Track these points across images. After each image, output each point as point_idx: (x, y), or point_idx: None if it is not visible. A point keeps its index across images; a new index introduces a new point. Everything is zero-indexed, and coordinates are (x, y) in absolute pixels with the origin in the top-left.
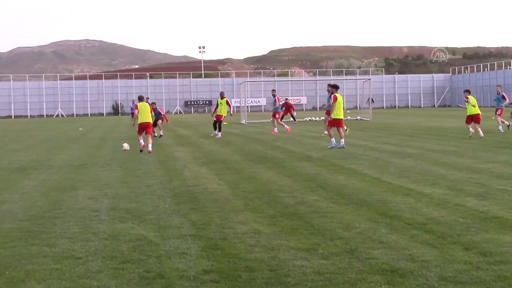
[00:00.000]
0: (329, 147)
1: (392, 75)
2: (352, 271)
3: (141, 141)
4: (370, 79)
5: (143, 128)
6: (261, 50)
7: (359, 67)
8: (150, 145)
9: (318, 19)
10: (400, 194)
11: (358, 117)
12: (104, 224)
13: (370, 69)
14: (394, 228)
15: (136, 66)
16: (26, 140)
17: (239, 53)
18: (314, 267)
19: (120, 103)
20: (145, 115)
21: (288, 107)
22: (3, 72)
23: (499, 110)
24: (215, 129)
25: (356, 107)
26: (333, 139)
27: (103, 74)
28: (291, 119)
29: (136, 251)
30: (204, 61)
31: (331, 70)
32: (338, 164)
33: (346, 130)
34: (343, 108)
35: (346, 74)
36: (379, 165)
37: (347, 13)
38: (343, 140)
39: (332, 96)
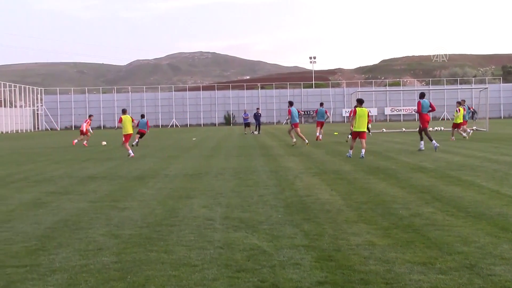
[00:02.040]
0: (346, 154)
1: (511, 84)
2: (473, 287)
3: (131, 151)
4: (487, 88)
5: (129, 138)
6: (372, 59)
7: (475, 76)
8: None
9: (431, 27)
10: None
11: (474, 127)
12: (219, 233)
13: (487, 77)
14: None
15: (248, 77)
16: (143, 149)
17: (350, 63)
18: (432, 282)
19: (232, 113)
20: (129, 127)
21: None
22: (122, 84)
23: None
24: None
25: (471, 118)
26: (350, 151)
27: (215, 85)
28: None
29: (250, 260)
30: (315, 71)
31: (444, 79)
32: (454, 175)
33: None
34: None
35: (460, 83)
36: (498, 177)
37: (461, 20)
38: (363, 150)
39: (353, 109)
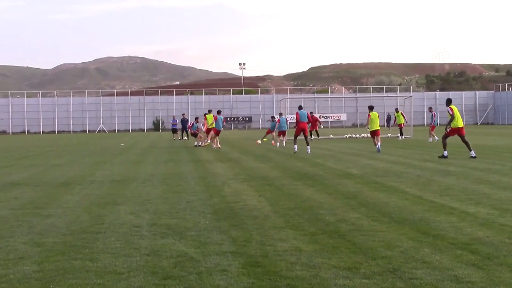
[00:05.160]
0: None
1: (434, 92)
2: None
3: None
4: (411, 96)
5: None
6: (301, 66)
7: (400, 84)
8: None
9: (359, 36)
10: (443, 213)
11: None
12: (146, 240)
13: (411, 86)
14: (438, 247)
15: (177, 83)
16: (69, 155)
17: (279, 70)
18: (356, 286)
19: (161, 119)
20: None
21: (313, 122)
22: (48, 88)
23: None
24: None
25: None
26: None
27: (144, 90)
28: (315, 136)
29: (177, 267)
30: (244, 77)
31: (371, 87)
32: (379, 182)
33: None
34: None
35: (386, 91)
36: (421, 183)
37: (388, 30)
38: (379, 144)
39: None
